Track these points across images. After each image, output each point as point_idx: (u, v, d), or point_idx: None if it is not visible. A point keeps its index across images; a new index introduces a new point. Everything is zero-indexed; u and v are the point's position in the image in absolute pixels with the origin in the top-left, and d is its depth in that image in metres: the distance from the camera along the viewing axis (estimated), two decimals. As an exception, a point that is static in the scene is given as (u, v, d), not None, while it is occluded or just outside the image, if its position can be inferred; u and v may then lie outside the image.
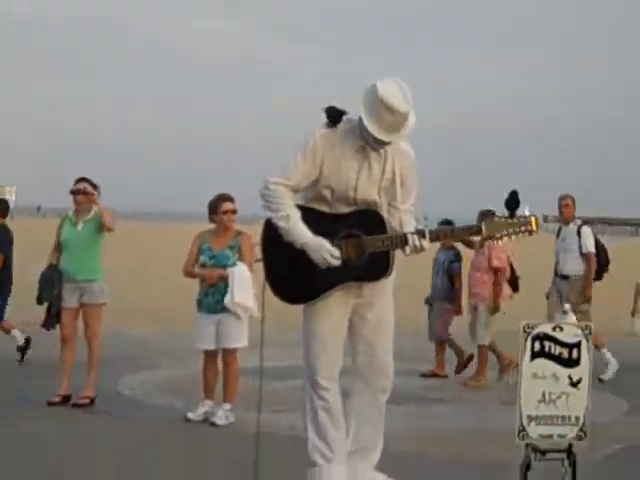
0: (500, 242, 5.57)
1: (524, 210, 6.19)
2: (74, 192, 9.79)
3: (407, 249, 5.40)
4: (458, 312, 12.22)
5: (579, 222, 12.13)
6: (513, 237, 5.53)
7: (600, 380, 11.57)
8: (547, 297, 12.47)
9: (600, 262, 12.12)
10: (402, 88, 5.33)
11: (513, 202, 5.14)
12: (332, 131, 5.53)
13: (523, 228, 5.50)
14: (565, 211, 12.10)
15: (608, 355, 11.83)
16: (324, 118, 5.57)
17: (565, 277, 12.15)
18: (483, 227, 5.52)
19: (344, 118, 5.54)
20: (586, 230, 12.07)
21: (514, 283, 12.04)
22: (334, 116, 5.53)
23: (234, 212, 9.29)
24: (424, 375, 11.90)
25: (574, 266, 12.05)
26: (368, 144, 5.45)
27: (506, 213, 5.48)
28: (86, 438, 8.52)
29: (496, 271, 11.62)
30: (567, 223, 12.15)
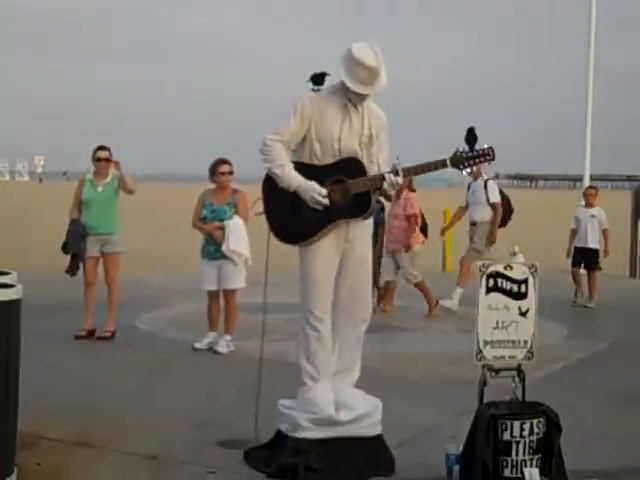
0: (464, 172, 5.57)
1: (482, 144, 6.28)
2: (99, 159, 9.79)
3: (385, 184, 5.41)
4: (380, 255, 12.21)
5: (485, 177, 12.24)
6: (475, 167, 5.57)
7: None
8: (441, 233, 13.13)
9: (504, 211, 12.27)
10: (374, 50, 5.37)
11: (471, 137, 5.13)
12: (318, 94, 5.63)
13: (482, 158, 5.51)
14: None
15: (458, 294, 11.94)
16: (309, 87, 5.67)
17: (474, 223, 12.34)
18: (448, 160, 5.51)
19: (326, 83, 5.60)
20: (491, 184, 12.22)
21: (424, 230, 12.18)
22: (318, 78, 5.62)
23: (230, 173, 9.36)
24: None
25: (481, 214, 12.20)
26: (349, 101, 5.47)
27: (467, 148, 5.48)
28: (109, 365, 8.55)
29: (410, 217, 11.77)
30: (476, 179, 12.23)
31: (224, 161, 9.38)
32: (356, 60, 5.31)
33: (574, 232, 13.24)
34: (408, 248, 11.87)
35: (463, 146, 5.54)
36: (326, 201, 5.41)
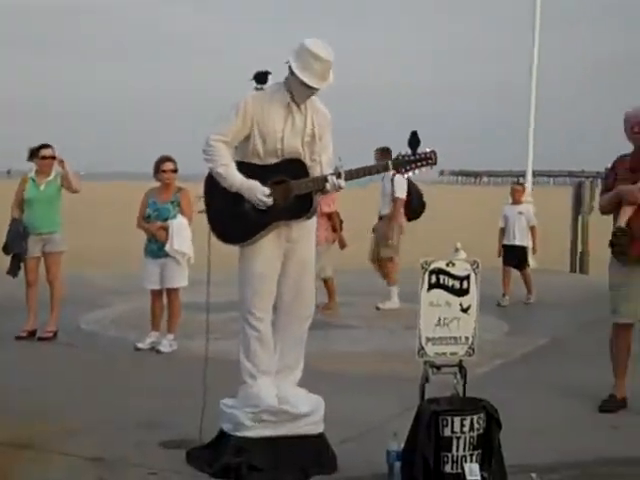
0: (405, 175, 5.60)
1: (425, 148, 6.30)
2: (44, 157, 9.66)
3: (327, 185, 5.41)
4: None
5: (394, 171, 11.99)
6: (417, 170, 5.57)
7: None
8: (373, 231, 12.65)
9: (413, 205, 12.07)
10: (325, 44, 5.39)
11: (414, 141, 5.17)
12: (261, 93, 5.62)
13: (424, 162, 5.53)
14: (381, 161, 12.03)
15: (394, 292, 12.00)
16: (253, 85, 5.67)
17: (381, 217, 12.25)
18: (390, 164, 5.54)
19: (270, 81, 5.60)
20: (398, 178, 11.64)
21: (340, 225, 12.03)
22: (261, 76, 5.63)
23: (174, 171, 9.32)
24: None
25: (387, 208, 12.08)
26: (292, 100, 5.46)
27: (409, 151, 5.51)
28: (51, 366, 8.45)
29: (328, 215, 11.57)
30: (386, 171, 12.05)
31: (167, 159, 9.32)
32: (312, 53, 5.32)
33: (502, 231, 12.97)
34: (343, 245, 11.92)
35: (406, 150, 5.55)
36: (270, 201, 5.40)
